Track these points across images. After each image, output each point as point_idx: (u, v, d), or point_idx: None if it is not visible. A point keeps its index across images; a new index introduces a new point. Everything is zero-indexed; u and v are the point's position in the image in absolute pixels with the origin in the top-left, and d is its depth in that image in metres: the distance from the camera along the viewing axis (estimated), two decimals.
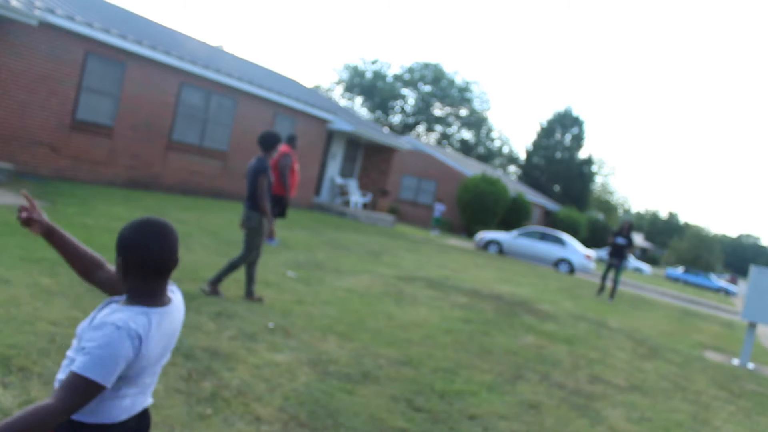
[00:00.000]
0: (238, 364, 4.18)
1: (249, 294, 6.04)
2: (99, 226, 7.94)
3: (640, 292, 20.40)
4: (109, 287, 1.90)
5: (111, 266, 1.93)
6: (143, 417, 1.79)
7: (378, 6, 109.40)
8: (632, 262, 43.31)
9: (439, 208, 26.32)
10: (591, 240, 43.95)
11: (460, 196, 29.18)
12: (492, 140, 61.30)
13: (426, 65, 56.79)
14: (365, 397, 4.11)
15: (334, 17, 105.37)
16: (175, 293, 1.80)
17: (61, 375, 1.64)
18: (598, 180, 64.54)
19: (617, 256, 13.49)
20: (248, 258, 5.98)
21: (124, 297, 1.72)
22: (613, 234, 13.74)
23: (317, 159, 18.64)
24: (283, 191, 9.81)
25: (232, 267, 5.92)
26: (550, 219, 40.14)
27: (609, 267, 13.63)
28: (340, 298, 7.07)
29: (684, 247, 63.11)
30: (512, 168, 61.15)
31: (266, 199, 5.95)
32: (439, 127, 58.11)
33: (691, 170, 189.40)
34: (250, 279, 6.03)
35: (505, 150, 63.16)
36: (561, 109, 55.20)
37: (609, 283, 14.02)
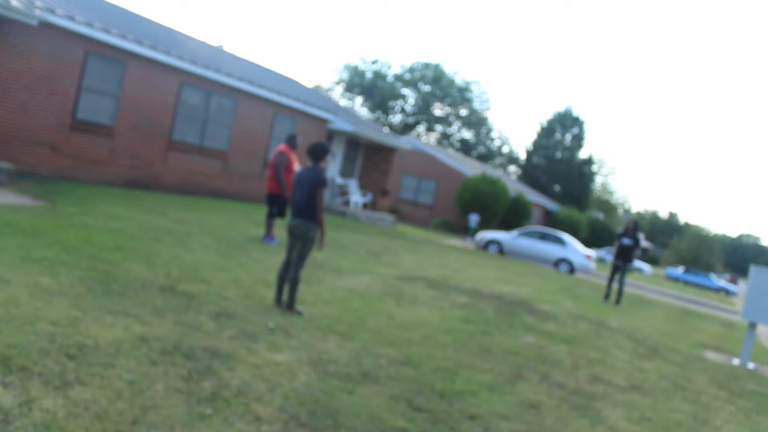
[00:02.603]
0: (238, 364, 4.18)
1: (290, 306, 5.98)
2: (99, 226, 7.94)
3: (640, 292, 20.40)
4: None
5: None
6: None
7: (378, 6, 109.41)
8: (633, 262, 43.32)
9: (474, 219, 27.44)
10: (591, 240, 43.96)
11: (460, 196, 29.18)
12: (492, 140, 61.32)
13: (426, 65, 56.81)
14: (365, 397, 4.11)
15: (334, 17, 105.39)
16: None
17: None
18: (598, 180, 64.60)
19: (623, 258, 13.04)
20: (303, 268, 6.09)
21: None
22: (619, 236, 13.23)
23: None
24: (279, 190, 9.84)
25: (295, 284, 5.98)
26: (550, 219, 40.13)
27: (615, 270, 13.16)
28: (340, 297, 7.07)
29: (684, 247, 63.09)
30: (512, 168, 61.15)
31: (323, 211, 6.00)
32: (439, 127, 58.13)
33: (691, 170, 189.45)
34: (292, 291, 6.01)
35: (505, 150, 63.21)
36: (561, 109, 55.24)
37: (615, 285, 13.53)
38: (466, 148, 58.05)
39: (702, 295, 31.27)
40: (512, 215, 31.37)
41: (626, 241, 13.09)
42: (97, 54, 11.94)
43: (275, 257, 8.74)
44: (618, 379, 6.09)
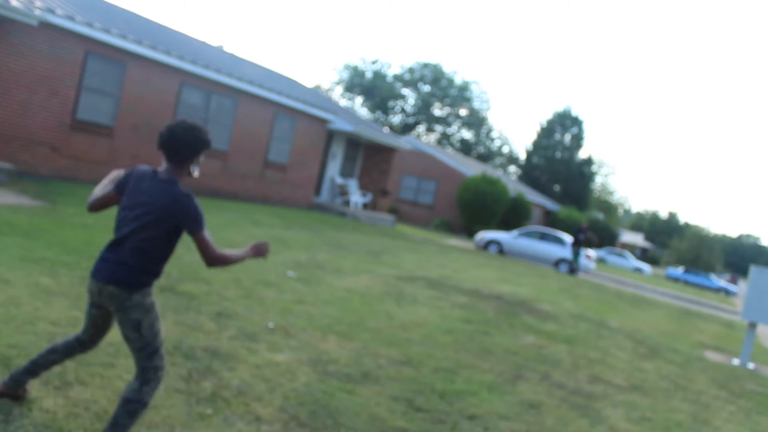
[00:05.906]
0: (238, 364, 4.18)
1: None
2: (99, 226, 7.94)
3: (640, 292, 20.40)
4: None
5: None
6: None
7: (378, 6, 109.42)
8: (632, 261, 43.34)
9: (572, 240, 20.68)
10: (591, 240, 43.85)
11: (460, 196, 29.18)
12: (492, 140, 61.31)
13: (426, 65, 56.81)
14: (365, 397, 4.11)
15: (334, 17, 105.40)
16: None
17: None
18: (598, 180, 64.61)
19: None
20: (159, 368, 2.75)
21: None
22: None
23: (317, 159, 18.63)
24: None
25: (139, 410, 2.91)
26: (550, 219, 40.12)
27: None
28: (340, 298, 7.07)
29: (684, 247, 63.01)
30: (512, 168, 61.16)
31: None
32: (439, 127, 58.12)
33: (691, 170, 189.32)
34: None
35: (505, 150, 63.20)
36: (561, 109, 55.25)
37: None
38: (466, 148, 58.05)
39: (702, 295, 31.25)
40: (512, 215, 31.36)
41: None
42: (97, 54, 11.93)
43: (275, 257, 8.73)
44: (618, 379, 6.09)
